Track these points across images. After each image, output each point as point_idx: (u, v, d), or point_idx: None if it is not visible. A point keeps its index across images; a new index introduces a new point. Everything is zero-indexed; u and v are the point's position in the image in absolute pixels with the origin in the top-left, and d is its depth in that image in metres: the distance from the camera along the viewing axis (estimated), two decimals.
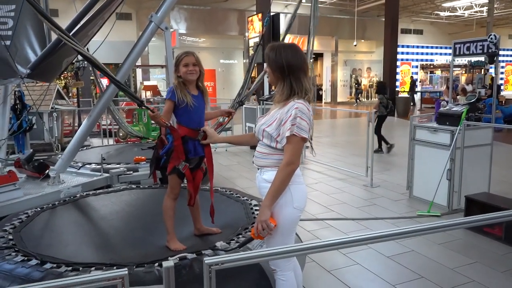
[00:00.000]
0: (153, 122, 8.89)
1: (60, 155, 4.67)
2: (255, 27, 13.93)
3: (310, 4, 5.32)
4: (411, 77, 23.88)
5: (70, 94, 15.53)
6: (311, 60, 4.92)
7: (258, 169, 2.18)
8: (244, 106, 9.38)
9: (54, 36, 3.99)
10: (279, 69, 2.06)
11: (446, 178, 4.75)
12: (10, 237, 2.82)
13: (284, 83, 2.07)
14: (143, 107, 2.90)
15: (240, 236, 2.75)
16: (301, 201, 2.12)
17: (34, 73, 3.80)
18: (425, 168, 5.11)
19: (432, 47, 27.48)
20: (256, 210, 3.25)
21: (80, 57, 7.15)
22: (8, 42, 4.05)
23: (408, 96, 20.29)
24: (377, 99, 8.57)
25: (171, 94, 2.60)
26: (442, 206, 4.81)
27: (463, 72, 22.13)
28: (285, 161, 2.01)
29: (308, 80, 2.10)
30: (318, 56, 25.13)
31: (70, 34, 3.76)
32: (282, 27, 19.22)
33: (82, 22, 3.91)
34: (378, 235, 1.46)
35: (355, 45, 22.30)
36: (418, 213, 4.72)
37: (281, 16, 16.79)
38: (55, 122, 6.80)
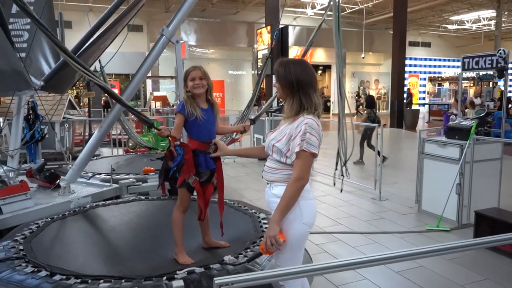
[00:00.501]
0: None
1: (70, 165, 4.73)
2: (264, 39, 14.04)
3: (320, 18, 5.35)
4: (408, 89, 23.35)
5: (81, 104, 15.72)
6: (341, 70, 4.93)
7: (268, 183, 2.18)
8: (251, 117, 9.42)
9: (68, 48, 4.08)
10: (288, 85, 2.08)
11: (455, 193, 4.72)
12: (21, 247, 2.85)
13: (294, 99, 2.08)
14: (153, 128, 2.92)
15: (249, 250, 2.76)
16: (311, 217, 2.12)
17: (48, 85, 3.88)
18: (434, 182, 5.08)
19: (440, 60, 27.47)
20: (264, 223, 3.26)
21: (92, 68, 7.27)
22: (23, 54, 4.15)
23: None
24: (365, 113, 8.67)
25: (181, 107, 2.63)
26: (451, 221, 4.77)
27: (471, 84, 22.04)
28: (295, 176, 2.01)
29: (317, 95, 2.11)
30: (326, 68, 25.23)
31: (84, 47, 3.86)
32: (291, 39, 19.39)
33: (95, 36, 3.98)
34: (396, 255, 1.44)
35: (363, 58, 22.36)
36: (427, 227, 4.69)
37: (290, 28, 16.95)
38: (66, 132, 6.89)
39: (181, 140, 2.67)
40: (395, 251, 1.49)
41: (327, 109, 24.57)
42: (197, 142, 2.63)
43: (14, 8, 4.55)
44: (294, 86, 2.06)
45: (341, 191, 5.02)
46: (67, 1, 15.87)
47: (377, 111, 23.05)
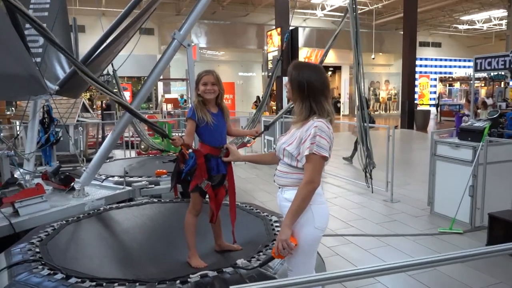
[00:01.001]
0: (174, 134, 9.04)
1: (84, 168, 4.80)
2: (274, 41, 14.05)
3: (331, 19, 5.36)
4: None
5: (94, 107, 15.89)
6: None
7: (279, 187, 2.18)
8: (263, 119, 9.45)
9: (81, 54, 4.15)
10: (299, 88, 2.07)
11: (468, 195, 4.68)
12: (37, 250, 2.90)
13: (303, 104, 2.08)
14: (167, 138, 2.95)
15: (261, 253, 2.77)
16: (323, 221, 2.11)
17: (62, 89, 3.94)
18: (446, 184, 5.05)
19: (450, 60, 27.23)
20: (276, 226, 3.27)
21: (105, 72, 7.37)
22: (38, 60, 4.23)
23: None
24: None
25: (192, 113, 2.64)
26: (465, 223, 4.73)
27: (483, 84, 21.80)
28: (306, 180, 2.00)
29: (329, 103, 2.10)
30: (336, 69, 25.16)
31: (98, 52, 3.92)
32: (301, 40, 19.36)
33: (108, 41, 4.04)
34: (415, 262, 1.41)
35: (373, 58, 22.25)
36: (440, 230, 4.65)
37: (300, 30, 16.94)
38: (80, 135, 6.98)
39: (193, 146, 2.70)
40: (415, 259, 1.46)
41: (337, 111, 24.50)
42: (209, 147, 2.65)
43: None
44: (305, 90, 2.05)
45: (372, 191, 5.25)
46: (81, 6, 16.08)
47: (372, 111, 22.77)
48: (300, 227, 2.05)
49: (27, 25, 4.55)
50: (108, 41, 4.10)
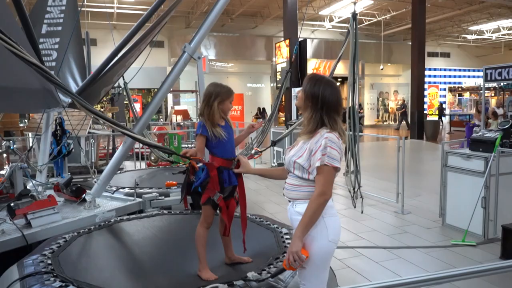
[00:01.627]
0: (184, 146, 9.07)
1: (95, 179, 4.84)
2: (282, 53, 14.12)
3: (339, 30, 5.40)
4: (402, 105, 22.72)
5: None
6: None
7: (290, 201, 2.16)
8: (272, 130, 9.47)
9: (94, 67, 4.22)
10: (313, 99, 2.05)
11: (481, 206, 4.62)
12: (49, 261, 2.92)
13: (313, 115, 2.06)
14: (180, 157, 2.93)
15: (272, 266, 2.76)
16: (336, 234, 2.10)
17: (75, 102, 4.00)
18: (458, 195, 4.99)
19: (459, 70, 27.12)
20: (287, 238, 3.26)
21: (116, 84, 7.47)
22: (52, 73, 4.30)
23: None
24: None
25: (203, 129, 2.64)
26: (477, 235, 4.67)
27: (493, 94, 21.64)
28: (317, 192, 1.98)
29: (340, 120, 2.09)
30: (344, 79, 25.15)
31: (110, 65, 3.98)
32: (309, 52, 19.44)
33: (120, 54, 4.10)
34: (433, 277, 1.41)
35: (382, 69, 22.25)
36: (453, 242, 4.59)
37: (308, 41, 17.02)
38: (92, 147, 7.05)
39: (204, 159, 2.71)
40: (430, 273, 1.46)
41: (345, 121, 24.43)
42: (221, 159, 2.65)
43: (44, 29, 4.75)
44: (319, 102, 2.04)
45: (361, 212, 4.92)
46: (92, 20, 16.37)
47: (381, 121, 22.52)
48: (314, 241, 2.03)
49: (41, 40, 4.67)
50: (120, 54, 4.16)
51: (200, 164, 2.65)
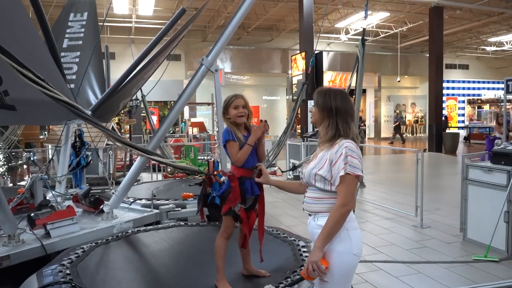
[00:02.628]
0: (200, 158, 9.12)
1: (113, 190, 4.89)
2: (298, 65, 14.18)
3: (355, 43, 5.40)
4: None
5: (123, 130, 16.31)
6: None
7: (310, 215, 2.14)
8: (288, 142, 9.45)
9: (113, 80, 4.30)
10: (327, 110, 2.08)
11: (503, 221, 4.49)
12: (68, 271, 2.95)
13: (330, 123, 2.07)
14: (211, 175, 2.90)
15: (289, 279, 2.73)
16: (360, 247, 2.06)
17: (95, 114, 4.06)
18: (479, 210, 4.87)
19: (478, 82, 26.71)
20: (304, 251, 3.22)
21: (134, 97, 7.59)
22: (72, 85, 4.40)
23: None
24: None
25: (231, 135, 2.63)
26: (501, 251, 4.53)
27: None
28: (340, 203, 1.96)
29: (355, 125, 2.10)
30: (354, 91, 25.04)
31: (129, 78, 4.05)
32: (325, 64, 19.46)
33: (139, 67, 4.17)
34: None
35: (399, 81, 22.08)
36: (474, 257, 4.46)
37: (324, 54, 17.06)
38: (110, 158, 7.14)
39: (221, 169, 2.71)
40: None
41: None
42: (243, 169, 2.63)
43: (65, 43, 4.88)
44: (333, 110, 2.06)
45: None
46: (111, 34, 16.75)
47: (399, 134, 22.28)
48: (338, 255, 2.00)
49: (63, 53, 4.78)
50: (138, 68, 4.23)
51: (223, 178, 2.64)
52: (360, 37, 4.75)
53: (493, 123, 18.11)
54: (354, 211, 2.12)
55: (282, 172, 3.12)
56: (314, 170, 2.08)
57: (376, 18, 18.14)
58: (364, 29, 4.60)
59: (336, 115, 2.06)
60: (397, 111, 24.82)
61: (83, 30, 5.09)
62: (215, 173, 2.72)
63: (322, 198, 2.07)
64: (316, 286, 2.12)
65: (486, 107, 24.97)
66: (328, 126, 2.08)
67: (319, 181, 2.07)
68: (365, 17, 4.82)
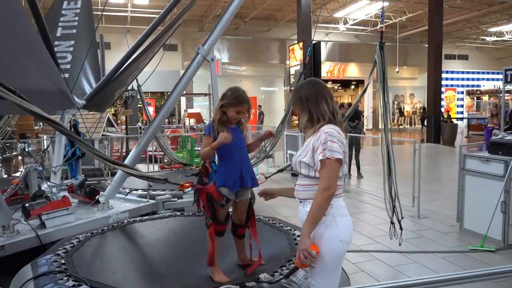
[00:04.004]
0: (197, 149, 9.09)
1: (109, 181, 4.87)
2: (296, 56, 14.09)
3: (354, 33, 5.31)
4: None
5: (119, 122, 16.25)
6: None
7: (301, 202, 2.16)
8: (285, 133, 9.42)
9: (108, 70, 4.25)
10: (299, 101, 2.20)
11: (500, 211, 4.49)
12: (63, 261, 2.94)
13: (304, 111, 2.18)
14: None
15: (284, 268, 2.72)
16: (348, 234, 2.07)
17: (89, 104, 4.03)
18: (476, 200, 4.87)
19: (478, 73, 26.63)
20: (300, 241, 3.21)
21: (130, 87, 7.53)
22: (66, 75, 4.35)
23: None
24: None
25: (211, 130, 2.61)
26: (497, 241, 4.53)
27: None
28: (322, 186, 1.99)
29: (330, 104, 2.14)
30: (359, 82, 24.99)
31: (124, 67, 4.00)
32: (323, 55, 19.37)
33: (134, 56, 4.12)
34: (443, 278, 1.36)
35: (397, 72, 22.00)
36: (471, 247, 4.47)
37: (322, 44, 16.94)
38: (106, 149, 7.11)
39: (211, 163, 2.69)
40: (443, 275, 1.41)
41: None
42: (215, 190, 2.62)
43: (59, 32, 4.81)
44: (303, 100, 2.17)
45: (399, 244, 4.13)
46: (107, 24, 16.60)
47: (397, 125, 22.31)
48: (324, 240, 2.01)
49: (56, 42, 4.72)
50: (133, 56, 4.18)
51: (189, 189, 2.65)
52: (358, 27, 4.67)
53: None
54: (343, 201, 2.11)
55: (266, 178, 3.07)
56: (299, 157, 2.12)
57: (375, 7, 18.01)
58: (382, 31, 4.47)
59: (307, 102, 2.15)
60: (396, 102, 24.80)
61: (77, 18, 5.03)
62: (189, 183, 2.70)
63: (309, 185, 2.10)
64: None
65: (485, 98, 24.95)
66: (303, 115, 2.18)
67: (304, 168, 2.10)
68: (382, 20, 4.67)
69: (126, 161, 4.51)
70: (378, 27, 20.01)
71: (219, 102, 2.65)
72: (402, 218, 4.19)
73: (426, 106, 24.18)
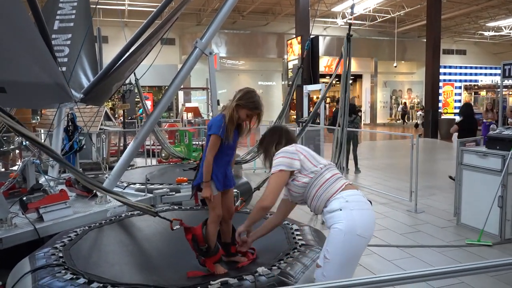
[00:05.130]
0: (194, 143, 9.08)
1: (107, 175, 4.86)
2: (294, 50, 14.07)
3: (352, 27, 5.29)
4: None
5: (116, 116, 16.18)
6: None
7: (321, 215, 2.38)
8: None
9: (105, 64, 4.23)
10: (262, 148, 2.61)
11: (497, 205, 4.52)
12: (60, 254, 2.93)
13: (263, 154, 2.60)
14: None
15: (282, 261, 2.72)
16: (366, 228, 2.07)
17: (87, 97, 4.01)
18: (474, 194, 4.89)
19: (476, 68, 26.65)
20: (297, 234, 3.22)
21: (127, 81, 7.50)
22: (64, 68, 4.33)
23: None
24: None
25: (222, 131, 2.49)
26: (494, 235, 4.56)
27: (510, 93, 21.22)
28: (261, 197, 2.30)
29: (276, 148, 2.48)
30: (357, 77, 24.96)
31: (121, 60, 3.98)
32: (321, 49, 19.34)
33: (131, 50, 4.10)
34: (440, 271, 1.36)
35: (395, 66, 22.00)
36: (468, 241, 4.50)
37: (320, 38, 16.90)
38: (103, 143, 7.09)
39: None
40: (438, 267, 1.41)
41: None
42: (200, 232, 2.61)
43: (56, 25, 4.78)
44: (263, 147, 2.59)
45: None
46: (104, 17, 16.50)
47: (394, 120, 22.35)
48: (341, 234, 2.03)
49: (54, 35, 4.69)
50: (131, 50, 4.16)
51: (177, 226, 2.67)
52: (357, 21, 4.67)
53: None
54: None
55: (244, 202, 3.12)
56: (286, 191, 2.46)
57: (374, 1, 17.94)
58: (350, 24, 4.49)
59: (263, 144, 2.58)
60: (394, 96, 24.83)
61: (74, 11, 4.99)
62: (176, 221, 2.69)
63: (300, 193, 2.35)
64: (321, 264, 2.19)
65: (483, 93, 24.97)
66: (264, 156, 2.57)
67: (290, 195, 2.43)
68: (351, 12, 4.72)
69: (124, 155, 4.49)
70: (346, 19, 19.95)
71: (234, 101, 2.51)
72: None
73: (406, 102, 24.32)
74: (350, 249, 2.04)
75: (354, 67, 23.33)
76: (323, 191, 2.19)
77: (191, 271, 2.64)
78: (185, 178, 5.14)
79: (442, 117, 18.92)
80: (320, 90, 9.27)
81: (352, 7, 4.61)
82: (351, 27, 4.30)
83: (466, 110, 7.58)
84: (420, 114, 21.44)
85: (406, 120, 24.19)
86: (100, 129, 7.68)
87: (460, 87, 26.15)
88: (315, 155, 2.43)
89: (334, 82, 27.20)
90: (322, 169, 2.30)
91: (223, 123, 2.48)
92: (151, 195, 4.63)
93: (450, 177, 7.61)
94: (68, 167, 2.84)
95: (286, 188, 2.36)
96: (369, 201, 2.27)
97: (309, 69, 11.17)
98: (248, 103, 2.51)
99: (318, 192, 2.19)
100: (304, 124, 5.89)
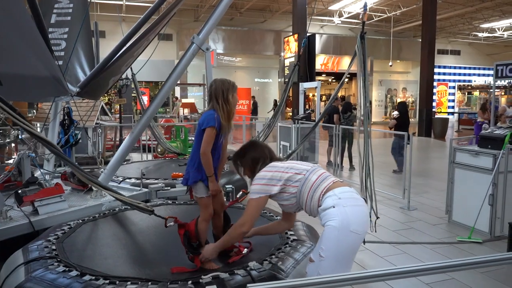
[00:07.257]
0: (191, 139, 9.09)
1: (102, 169, 4.87)
2: (291, 47, 14.08)
3: (348, 26, 5.31)
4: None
5: (113, 110, 16.12)
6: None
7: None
8: (278, 124, 9.44)
9: (102, 57, 4.23)
10: (248, 166, 2.56)
11: (488, 204, 4.58)
12: (54, 247, 2.95)
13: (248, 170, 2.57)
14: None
15: (273, 256, 2.76)
16: (359, 224, 2.08)
17: (83, 91, 4.02)
18: (465, 192, 4.95)
19: (470, 68, 26.83)
20: (289, 230, 3.24)
21: (124, 76, 7.49)
22: (60, 62, 4.33)
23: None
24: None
25: (217, 123, 2.57)
26: (484, 233, 4.63)
27: (503, 93, 21.39)
28: (238, 221, 2.36)
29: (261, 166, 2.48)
30: (353, 76, 25.00)
31: (118, 54, 3.98)
32: (318, 47, 19.34)
33: (128, 44, 4.10)
34: (428, 267, 1.39)
35: (391, 66, 22.08)
36: (458, 238, 4.56)
37: (317, 36, 16.92)
38: (99, 137, 7.09)
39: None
40: (427, 263, 1.45)
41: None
42: (194, 229, 2.70)
43: (53, 18, 4.77)
44: (244, 164, 2.58)
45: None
46: (101, 12, 16.41)
47: (390, 119, 22.49)
48: (333, 230, 2.05)
49: (50, 29, 4.68)
50: (128, 44, 4.16)
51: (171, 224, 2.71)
52: (353, 20, 4.69)
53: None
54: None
55: (247, 193, 3.11)
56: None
57: (370, 1, 17.97)
58: (363, 22, 4.46)
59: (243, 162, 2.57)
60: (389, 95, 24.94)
61: (71, 5, 4.98)
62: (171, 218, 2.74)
63: (294, 203, 2.37)
64: (316, 260, 2.18)
65: (476, 93, 25.14)
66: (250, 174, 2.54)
67: (283, 206, 2.46)
68: (364, 10, 4.64)
69: (120, 150, 4.50)
70: (360, 16, 19.92)
71: (221, 97, 2.58)
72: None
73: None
74: (344, 246, 2.06)
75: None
76: (313, 192, 2.21)
77: (176, 267, 2.67)
78: (180, 174, 5.17)
79: (436, 116, 19.00)
80: (316, 87, 9.29)
81: (365, 5, 4.57)
82: (364, 26, 4.29)
83: (402, 108, 8.97)
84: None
85: None
86: (96, 123, 7.67)
87: (454, 87, 26.33)
88: (296, 163, 2.41)
89: (330, 80, 26.98)
90: (306, 174, 2.30)
91: (216, 115, 2.57)
92: (146, 189, 4.65)
93: (394, 171, 8.28)
94: (68, 162, 2.87)
95: (279, 204, 2.43)
96: (364, 198, 2.30)
97: (305, 67, 11.20)
98: (233, 86, 2.66)
99: (309, 195, 2.21)
100: (314, 123, 5.88)
